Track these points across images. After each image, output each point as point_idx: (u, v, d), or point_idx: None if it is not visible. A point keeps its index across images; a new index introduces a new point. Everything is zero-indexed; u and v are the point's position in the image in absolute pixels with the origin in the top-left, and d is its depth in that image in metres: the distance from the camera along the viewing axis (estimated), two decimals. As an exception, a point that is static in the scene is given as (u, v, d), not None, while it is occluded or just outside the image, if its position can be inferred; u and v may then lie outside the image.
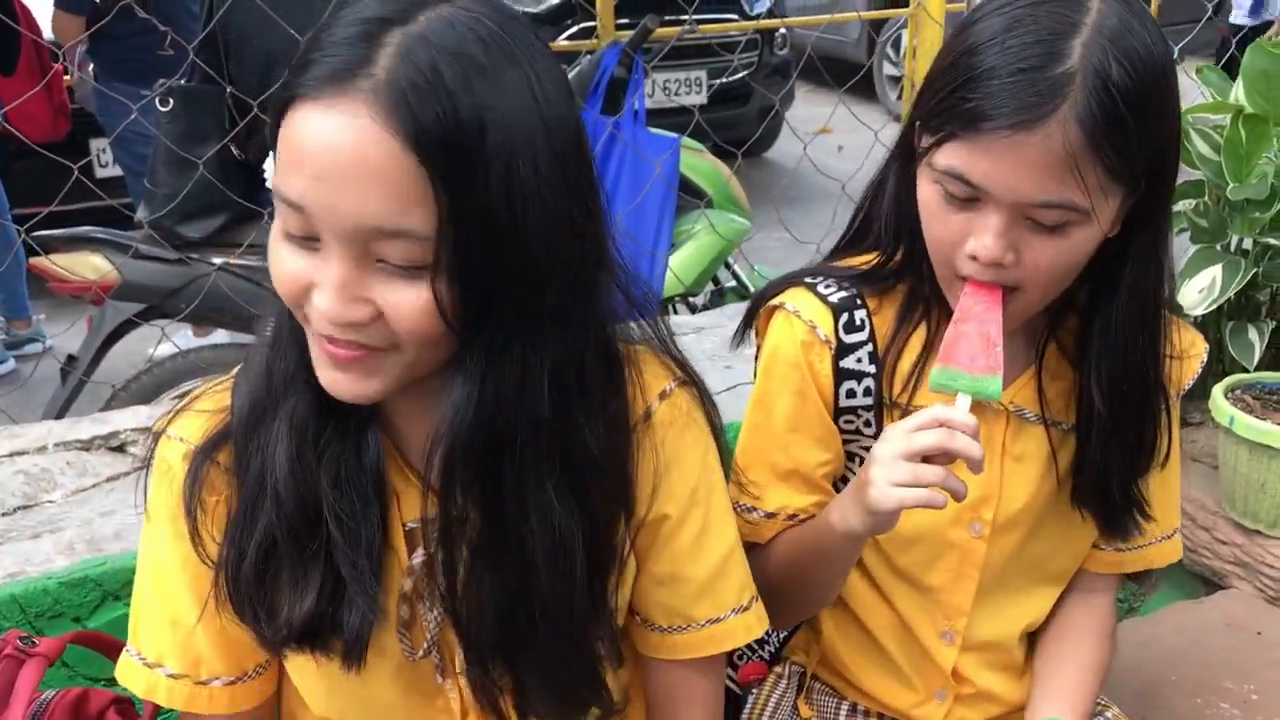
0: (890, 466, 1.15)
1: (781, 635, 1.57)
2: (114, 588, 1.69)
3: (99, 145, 5.06)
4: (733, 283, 3.70)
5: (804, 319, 1.33)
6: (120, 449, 2.09)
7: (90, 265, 2.98)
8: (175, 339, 3.53)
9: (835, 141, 4.95)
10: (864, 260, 1.37)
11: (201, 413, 1.12)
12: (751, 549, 1.40)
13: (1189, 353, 1.38)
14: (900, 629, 1.43)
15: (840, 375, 1.33)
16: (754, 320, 1.41)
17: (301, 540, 1.05)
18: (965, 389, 1.17)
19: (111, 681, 1.63)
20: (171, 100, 2.85)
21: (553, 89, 0.94)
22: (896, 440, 1.15)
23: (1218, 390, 2.42)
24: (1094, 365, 1.28)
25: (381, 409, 1.08)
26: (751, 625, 1.21)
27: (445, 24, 0.89)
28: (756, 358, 1.42)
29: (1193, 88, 2.94)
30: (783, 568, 1.39)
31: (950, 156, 1.16)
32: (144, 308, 3.03)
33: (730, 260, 3.65)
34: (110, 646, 1.28)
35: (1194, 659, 1.90)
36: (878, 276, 1.35)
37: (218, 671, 1.14)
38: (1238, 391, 2.45)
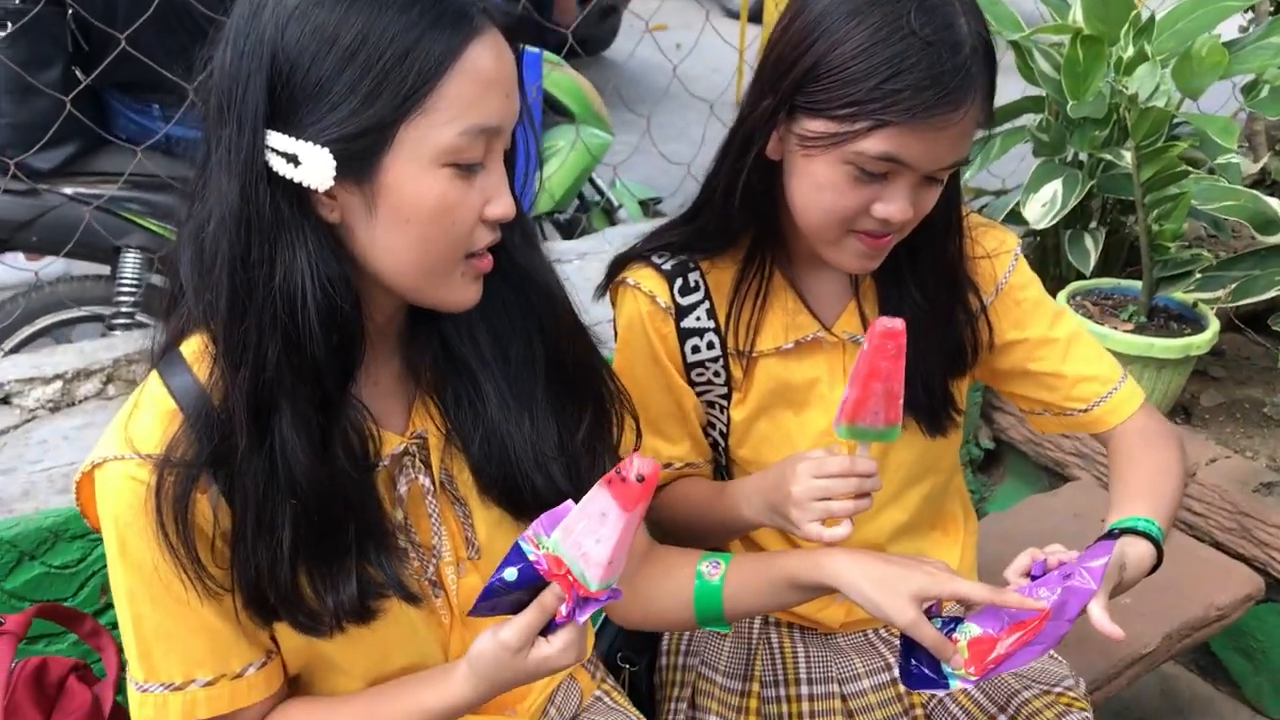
0: (808, 509, 1.29)
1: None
2: (29, 548, 1.67)
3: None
4: (597, 197, 3.73)
5: (644, 291, 1.46)
6: (6, 401, 2.04)
7: (-71, 200, 2.82)
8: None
9: (673, 39, 4.99)
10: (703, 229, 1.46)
11: (140, 430, 1.07)
12: None
13: (998, 251, 1.52)
14: (789, 542, 1.56)
15: (683, 335, 1.47)
16: (609, 289, 1.52)
17: (330, 532, 1.08)
18: (870, 440, 1.29)
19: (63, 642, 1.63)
20: (9, 24, 2.68)
21: None
22: (810, 485, 1.28)
23: (1061, 298, 2.63)
24: (911, 273, 1.43)
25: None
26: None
27: None
28: (614, 321, 1.53)
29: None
30: (686, 523, 1.54)
31: (884, 143, 1.24)
32: (-8, 242, 2.90)
33: (593, 175, 3.68)
34: (69, 616, 1.29)
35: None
36: (716, 241, 1.45)
37: (248, 658, 1.12)
38: (1078, 298, 2.67)
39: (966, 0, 1.26)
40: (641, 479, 0.97)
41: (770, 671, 1.58)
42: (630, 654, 1.64)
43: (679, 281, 1.46)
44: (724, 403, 1.51)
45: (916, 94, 1.21)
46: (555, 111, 3.54)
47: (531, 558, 1.02)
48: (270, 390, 1.02)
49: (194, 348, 1.08)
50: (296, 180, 1.00)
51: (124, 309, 2.94)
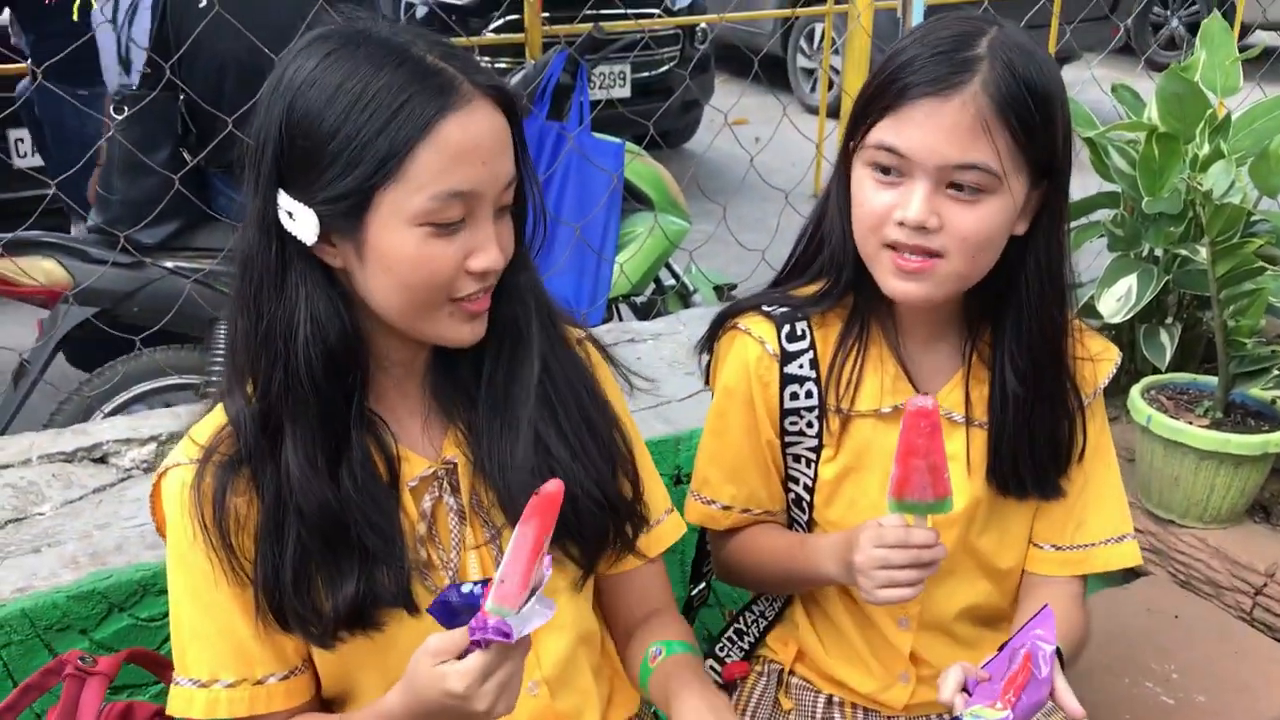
0: (870, 576, 1.34)
1: (760, 629, 1.71)
2: (119, 599, 1.74)
3: (16, 135, 5.01)
4: (672, 282, 3.81)
5: (755, 336, 1.52)
6: (103, 460, 2.14)
7: (40, 269, 2.98)
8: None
9: (752, 133, 5.10)
10: (812, 288, 1.53)
11: (197, 438, 1.25)
12: (714, 535, 1.65)
13: (1101, 356, 1.54)
14: (862, 619, 1.58)
15: (785, 380, 1.51)
16: (715, 339, 1.58)
17: (333, 543, 1.18)
18: (923, 512, 1.33)
19: (145, 695, 1.69)
20: (126, 108, 2.86)
21: None
22: (871, 555, 1.33)
23: (1135, 391, 2.62)
24: (1009, 358, 1.45)
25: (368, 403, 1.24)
26: (679, 524, 1.51)
27: None
28: (708, 368, 1.61)
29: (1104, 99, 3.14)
30: (758, 568, 1.59)
31: (880, 132, 1.35)
32: (96, 311, 3.05)
33: (670, 261, 3.77)
34: (158, 662, 1.35)
35: (1121, 642, 2.08)
36: (824, 299, 1.51)
37: (271, 669, 1.24)
38: (1153, 392, 2.65)
39: (1003, 37, 1.34)
40: (536, 493, 1.04)
41: (833, 752, 1.58)
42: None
43: (786, 328, 1.51)
44: (812, 456, 1.54)
45: (904, 81, 1.33)
46: (635, 199, 3.65)
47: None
48: (276, 412, 1.17)
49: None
50: (293, 233, 1.15)
51: (215, 378, 3.06)
